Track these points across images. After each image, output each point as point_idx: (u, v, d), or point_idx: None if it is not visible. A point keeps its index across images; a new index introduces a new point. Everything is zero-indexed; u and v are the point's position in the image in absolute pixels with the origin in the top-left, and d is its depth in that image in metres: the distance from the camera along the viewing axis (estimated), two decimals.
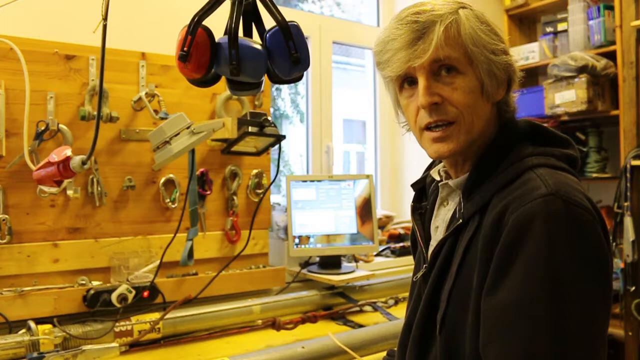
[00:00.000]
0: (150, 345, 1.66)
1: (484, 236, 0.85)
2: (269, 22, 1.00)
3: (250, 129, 1.81)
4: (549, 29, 2.81)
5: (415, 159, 2.84)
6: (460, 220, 0.92)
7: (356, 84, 4.07)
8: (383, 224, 2.70)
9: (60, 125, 1.68)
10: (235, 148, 1.89)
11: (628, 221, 2.33)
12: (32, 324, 1.49)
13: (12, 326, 1.53)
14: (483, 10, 0.95)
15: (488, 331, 0.81)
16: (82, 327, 1.57)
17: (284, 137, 1.88)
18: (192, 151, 1.76)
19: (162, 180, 1.88)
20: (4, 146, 1.60)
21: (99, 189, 1.75)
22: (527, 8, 2.90)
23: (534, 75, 2.96)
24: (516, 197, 0.83)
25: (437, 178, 1.05)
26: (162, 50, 1.89)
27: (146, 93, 1.79)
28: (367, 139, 3.04)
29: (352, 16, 3.92)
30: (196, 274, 1.91)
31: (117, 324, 1.61)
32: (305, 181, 2.19)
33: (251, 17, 1.04)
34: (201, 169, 1.95)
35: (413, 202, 1.12)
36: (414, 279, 1.07)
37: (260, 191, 2.08)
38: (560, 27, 2.75)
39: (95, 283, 1.71)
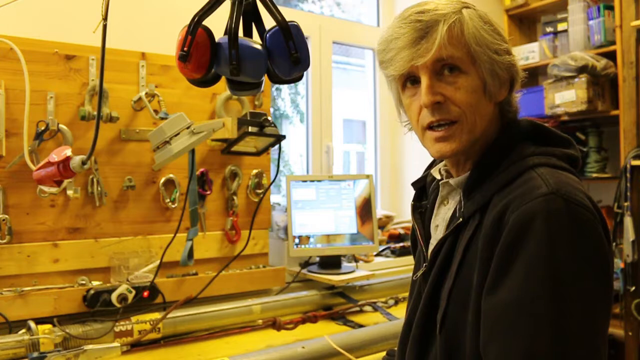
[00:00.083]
0: (151, 345, 1.66)
1: (484, 235, 0.85)
2: (269, 22, 1.00)
3: (250, 129, 1.81)
4: (549, 29, 2.81)
5: (416, 158, 2.84)
6: (461, 219, 0.92)
7: (356, 84, 4.08)
8: (383, 224, 2.70)
9: (60, 125, 1.68)
10: (235, 148, 1.89)
11: (628, 221, 2.33)
12: (32, 324, 1.49)
13: (12, 326, 1.53)
14: (483, 11, 0.95)
15: (489, 330, 0.81)
16: (82, 327, 1.57)
17: (284, 137, 1.88)
18: (192, 151, 1.76)
19: (162, 180, 1.88)
20: (4, 146, 1.60)
21: (99, 189, 1.75)
22: (527, 8, 2.90)
23: (534, 75, 2.96)
24: (517, 196, 0.83)
25: (438, 177, 1.05)
26: (162, 50, 1.89)
27: (146, 93, 1.79)
28: (367, 139, 3.04)
29: (352, 16, 3.92)
30: (196, 274, 1.91)
31: (117, 324, 1.61)
32: (305, 181, 2.19)
33: (251, 17, 1.04)
34: (201, 169, 1.95)
35: (413, 201, 1.12)
36: (414, 278, 1.07)
37: (260, 191, 2.08)
38: (560, 27, 2.75)
39: (95, 283, 1.71)
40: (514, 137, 0.94)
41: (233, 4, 0.98)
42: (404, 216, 2.84)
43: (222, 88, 1.90)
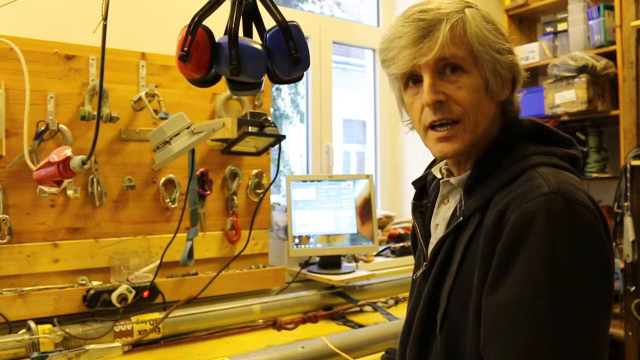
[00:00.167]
0: (151, 345, 1.66)
1: (485, 234, 0.85)
2: (269, 22, 1.00)
3: (250, 129, 1.81)
4: (549, 29, 2.81)
5: (416, 158, 2.84)
6: (461, 218, 0.92)
7: (356, 84, 4.08)
8: (383, 224, 2.70)
9: (60, 125, 1.68)
10: (235, 148, 1.89)
11: (628, 221, 2.33)
12: (32, 324, 1.49)
13: (12, 326, 1.53)
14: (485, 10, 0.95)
15: (489, 329, 0.81)
16: (82, 327, 1.57)
17: (284, 137, 1.88)
18: (192, 151, 1.76)
19: (162, 180, 1.88)
20: (4, 146, 1.60)
21: (99, 189, 1.75)
22: (527, 8, 2.90)
23: (534, 75, 2.96)
24: (518, 195, 0.83)
25: (439, 175, 1.05)
26: (162, 50, 1.88)
27: (146, 93, 1.79)
28: (367, 139, 3.04)
29: (352, 16, 3.92)
30: (196, 274, 1.91)
31: (117, 324, 1.61)
32: (305, 181, 2.19)
33: (251, 17, 1.04)
34: (201, 169, 1.95)
35: (414, 199, 1.12)
36: (414, 277, 1.07)
37: (260, 191, 2.08)
38: (560, 27, 2.75)
39: (95, 283, 1.71)
40: (515, 136, 0.94)
41: (233, 4, 0.98)
42: (404, 216, 2.84)
43: (222, 88, 1.90)
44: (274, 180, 1.97)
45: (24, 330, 1.49)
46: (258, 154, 1.98)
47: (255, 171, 2.08)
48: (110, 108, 1.75)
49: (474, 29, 0.90)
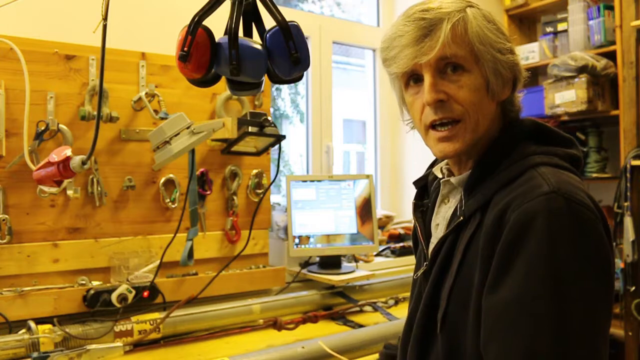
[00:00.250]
0: (151, 345, 1.66)
1: (485, 234, 0.85)
2: (269, 22, 1.00)
3: (250, 129, 1.81)
4: (549, 29, 2.81)
5: (416, 158, 2.84)
6: (461, 218, 0.92)
7: (356, 84, 4.08)
8: (383, 224, 2.70)
9: (60, 125, 1.68)
10: (235, 148, 1.89)
11: (628, 221, 2.33)
12: (32, 324, 1.49)
13: (12, 326, 1.53)
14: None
15: (489, 329, 0.81)
16: (82, 327, 1.57)
17: (284, 137, 1.88)
18: (192, 151, 1.76)
19: (162, 180, 1.88)
20: (4, 146, 1.60)
21: (99, 189, 1.75)
22: (527, 8, 2.90)
23: (534, 75, 2.96)
24: (518, 195, 0.83)
25: (440, 175, 1.05)
26: (162, 50, 1.88)
27: (146, 93, 1.79)
28: (367, 139, 3.04)
29: (352, 16, 3.92)
30: (196, 274, 1.91)
31: (117, 324, 1.61)
32: (305, 181, 2.19)
33: (251, 17, 1.04)
34: (201, 169, 1.95)
35: (415, 199, 1.12)
36: (414, 277, 1.07)
37: (260, 191, 2.08)
38: (560, 27, 2.75)
39: (95, 283, 1.71)
40: (516, 136, 0.94)
41: (233, 4, 0.98)
42: (404, 216, 2.84)
43: (222, 88, 1.90)
44: (274, 180, 1.97)
45: (24, 330, 1.49)
46: (258, 154, 1.98)
47: (255, 171, 2.08)
48: (110, 108, 1.75)
49: (475, 29, 0.90)
